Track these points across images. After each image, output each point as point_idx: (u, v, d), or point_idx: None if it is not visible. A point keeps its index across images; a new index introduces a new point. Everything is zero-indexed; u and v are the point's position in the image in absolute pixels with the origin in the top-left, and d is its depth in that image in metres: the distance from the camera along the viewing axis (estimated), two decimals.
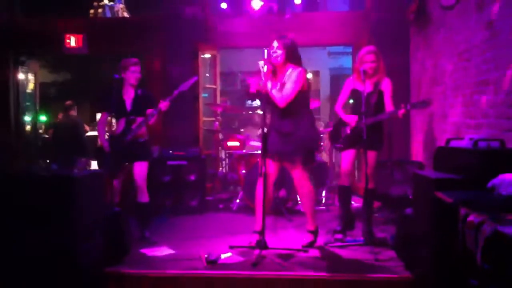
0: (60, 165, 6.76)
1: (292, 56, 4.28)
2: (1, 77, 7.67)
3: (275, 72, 4.32)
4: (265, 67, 4.17)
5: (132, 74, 4.68)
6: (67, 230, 3.29)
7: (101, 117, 4.93)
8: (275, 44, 4.28)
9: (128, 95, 4.74)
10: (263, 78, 4.18)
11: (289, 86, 4.18)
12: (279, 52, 4.25)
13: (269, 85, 4.19)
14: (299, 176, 4.30)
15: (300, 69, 4.25)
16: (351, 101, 4.77)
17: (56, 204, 3.29)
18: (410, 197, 4.72)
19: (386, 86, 4.55)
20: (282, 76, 4.28)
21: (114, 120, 6.89)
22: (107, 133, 5.10)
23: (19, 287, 3.29)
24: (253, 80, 4.37)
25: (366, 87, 4.47)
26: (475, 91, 4.47)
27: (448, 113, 5.22)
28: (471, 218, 2.10)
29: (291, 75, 4.22)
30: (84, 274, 3.40)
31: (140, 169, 4.72)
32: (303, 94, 4.27)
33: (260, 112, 7.76)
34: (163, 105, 4.53)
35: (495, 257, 1.89)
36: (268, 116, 4.36)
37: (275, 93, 4.19)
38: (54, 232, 3.26)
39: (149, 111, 4.63)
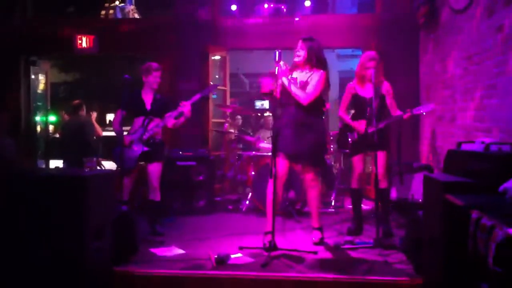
0: (68, 164, 6.82)
1: (315, 59, 4.35)
2: (13, 77, 7.74)
3: (293, 71, 4.36)
4: (282, 66, 4.20)
5: (154, 79, 4.85)
6: (77, 230, 3.29)
7: (117, 114, 4.97)
8: (299, 44, 4.36)
9: (148, 97, 4.88)
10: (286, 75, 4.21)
11: (312, 86, 4.26)
12: (302, 52, 4.33)
13: (292, 84, 4.22)
14: (311, 178, 4.32)
15: (322, 71, 4.33)
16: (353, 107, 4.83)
17: (67, 204, 3.29)
18: (419, 200, 4.73)
19: (386, 89, 4.63)
20: (304, 76, 4.32)
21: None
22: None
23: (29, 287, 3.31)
24: (265, 80, 4.39)
25: (368, 92, 4.52)
26: (485, 95, 4.47)
27: (457, 116, 5.22)
28: (483, 221, 2.11)
29: (313, 76, 4.30)
30: (93, 274, 3.41)
31: (155, 170, 4.85)
32: (321, 96, 4.35)
33: (269, 114, 7.78)
34: (186, 109, 4.66)
35: (507, 261, 1.90)
36: (281, 116, 4.36)
37: (297, 91, 4.23)
38: (64, 231, 3.27)
39: (168, 114, 4.78)
